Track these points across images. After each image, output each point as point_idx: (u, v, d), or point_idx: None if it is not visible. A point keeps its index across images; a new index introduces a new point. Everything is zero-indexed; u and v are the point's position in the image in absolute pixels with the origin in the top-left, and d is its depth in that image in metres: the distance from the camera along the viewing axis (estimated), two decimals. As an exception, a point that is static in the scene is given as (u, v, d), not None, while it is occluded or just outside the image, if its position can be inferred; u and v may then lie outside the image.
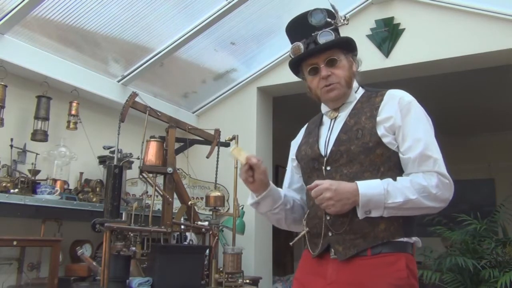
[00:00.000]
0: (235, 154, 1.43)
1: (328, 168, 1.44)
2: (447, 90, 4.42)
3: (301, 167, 1.59)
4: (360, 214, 1.34)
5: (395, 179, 1.35)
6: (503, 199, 4.13)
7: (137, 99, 2.53)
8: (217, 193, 2.67)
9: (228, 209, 3.52)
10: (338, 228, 1.38)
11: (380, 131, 1.38)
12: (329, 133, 1.50)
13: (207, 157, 2.78)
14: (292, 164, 1.65)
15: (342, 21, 1.50)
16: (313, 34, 1.47)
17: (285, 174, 1.69)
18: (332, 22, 1.48)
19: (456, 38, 3.05)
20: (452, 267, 3.48)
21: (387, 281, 1.30)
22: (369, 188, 1.32)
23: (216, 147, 2.81)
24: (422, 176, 1.34)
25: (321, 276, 1.41)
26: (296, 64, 1.53)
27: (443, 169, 1.35)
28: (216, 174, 2.79)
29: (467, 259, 3.33)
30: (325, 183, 1.33)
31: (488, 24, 2.97)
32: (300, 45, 1.48)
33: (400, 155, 1.38)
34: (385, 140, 1.38)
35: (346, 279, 1.35)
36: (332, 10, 1.50)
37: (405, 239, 1.36)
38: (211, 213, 2.73)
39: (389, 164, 1.38)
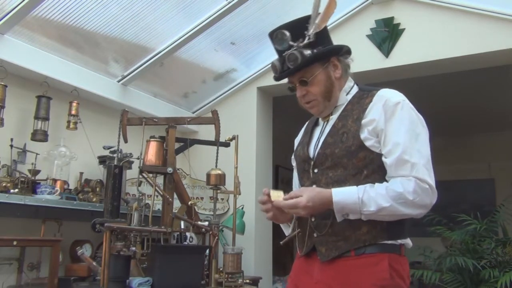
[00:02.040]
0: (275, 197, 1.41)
1: (316, 170, 1.46)
2: (447, 90, 4.42)
3: (295, 167, 1.62)
4: (338, 217, 1.36)
5: (379, 182, 1.36)
6: (503, 199, 4.13)
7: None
8: (218, 171, 2.66)
9: (228, 209, 3.52)
10: (321, 230, 1.40)
11: (363, 134, 1.38)
12: (320, 136, 1.51)
13: (216, 139, 2.74)
14: (293, 164, 1.67)
15: (309, 37, 1.44)
16: (283, 54, 1.46)
17: (293, 173, 1.70)
18: (295, 44, 1.44)
19: (456, 38, 3.05)
20: (452, 267, 3.49)
21: (370, 281, 1.31)
22: (343, 197, 1.34)
23: (216, 147, 2.80)
24: (399, 181, 1.32)
25: (309, 274, 1.45)
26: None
27: (422, 174, 1.31)
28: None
29: (467, 259, 3.33)
30: (303, 200, 1.33)
31: (488, 24, 2.96)
32: (276, 64, 1.49)
33: (383, 158, 1.38)
34: (367, 143, 1.37)
35: (330, 279, 1.37)
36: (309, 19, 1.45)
37: (389, 242, 1.35)
38: (211, 213, 2.73)
39: (373, 166, 1.38)
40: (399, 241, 1.37)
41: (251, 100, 3.70)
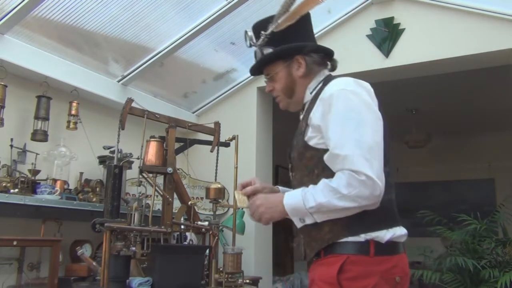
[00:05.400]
0: (239, 201, 1.50)
1: (293, 173, 1.52)
2: (447, 90, 4.42)
3: None
4: (296, 223, 1.41)
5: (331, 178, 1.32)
6: (503, 199, 4.14)
7: (135, 100, 2.52)
8: (218, 185, 2.67)
9: (228, 209, 3.52)
10: (303, 234, 1.46)
11: (308, 133, 1.39)
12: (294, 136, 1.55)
13: (211, 151, 2.76)
14: None
15: (264, 36, 1.52)
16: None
17: None
18: (257, 43, 1.53)
19: (456, 38, 3.05)
20: (452, 267, 3.49)
21: (322, 278, 1.33)
22: (291, 197, 1.37)
23: (216, 146, 2.80)
24: (336, 176, 1.29)
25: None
26: None
27: (357, 165, 1.23)
28: (216, 172, 2.78)
29: (467, 259, 3.34)
30: (258, 199, 1.42)
31: (488, 24, 2.97)
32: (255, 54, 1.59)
33: None
34: (312, 142, 1.38)
35: (310, 277, 1.46)
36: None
37: (350, 239, 1.31)
38: (211, 213, 2.73)
39: (322, 164, 1.35)
40: (364, 236, 1.30)
41: (251, 100, 3.70)
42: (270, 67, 1.53)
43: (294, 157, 1.46)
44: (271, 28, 1.50)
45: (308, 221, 1.36)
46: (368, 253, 1.29)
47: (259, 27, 1.55)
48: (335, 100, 1.32)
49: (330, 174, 1.32)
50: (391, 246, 1.32)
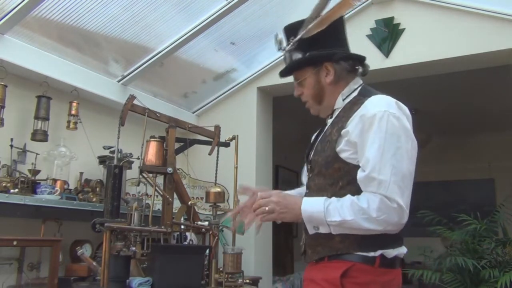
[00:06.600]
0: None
1: (310, 175, 1.50)
2: (447, 90, 4.42)
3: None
4: (309, 229, 1.39)
5: (355, 193, 1.33)
6: (503, 199, 4.14)
7: (136, 100, 2.52)
8: (217, 189, 2.67)
9: (228, 208, 3.52)
10: (308, 235, 1.44)
11: (340, 145, 1.37)
12: (317, 139, 1.54)
13: (209, 154, 2.77)
14: None
15: (293, 42, 1.49)
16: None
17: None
18: (286, 47, 1.50)
19: (456, 38, 3.05)
20: (452, 267, 3.49)
21: (325, 279, 1.35)
22: (311, 205, 1.36)
23: (216, 146, 2.80)
24: (366, 197, 1.29)
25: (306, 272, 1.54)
26: None
27: (390, 192, 1.26)
28: (216, 172, 2.79)
29: (467, 259, 3.34)
30: (274, 195, 1.41)
31: (488, 24, 2.97)
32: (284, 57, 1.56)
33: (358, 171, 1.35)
34: (343, 155, 1.37)
35: (307, 277, 1.47)
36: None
37: (359, 253, 1.34)
38: (211, 213, 2.73)
39: (348, 178, 1.36)
40: (372, 253, 1.33)
41: (251, 100, 3.70)
42: (299, 72, 1.52)
43: (317, 161, 1.45)
44: (301, 34, 1.48)
45: (323, 230, 1.36)
46: (374, 264, 1.33)
47: (289, 30, 1.53)
48: (377, 122, 1.31)
49: (354, 188, 1.34)
50: (394, 261, 1.37)
